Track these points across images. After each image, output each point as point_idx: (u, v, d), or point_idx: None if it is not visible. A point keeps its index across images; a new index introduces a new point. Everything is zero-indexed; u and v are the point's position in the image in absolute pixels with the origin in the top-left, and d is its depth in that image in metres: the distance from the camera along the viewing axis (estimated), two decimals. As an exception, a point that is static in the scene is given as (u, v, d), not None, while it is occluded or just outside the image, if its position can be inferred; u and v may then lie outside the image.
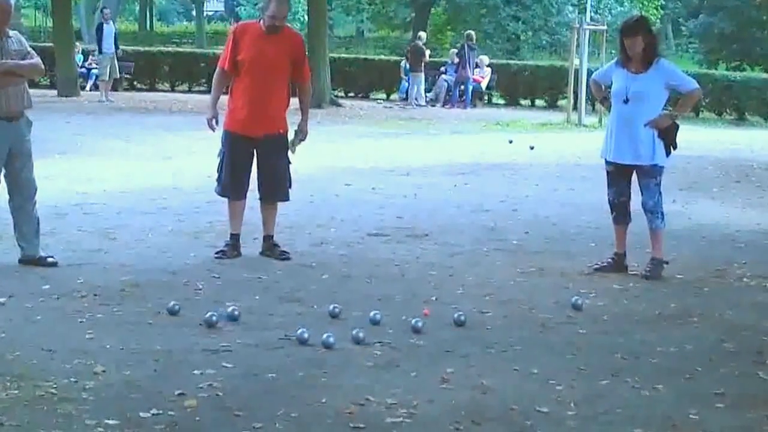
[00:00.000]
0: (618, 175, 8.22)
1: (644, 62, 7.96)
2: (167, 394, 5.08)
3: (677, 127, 8.12)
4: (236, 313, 6.53)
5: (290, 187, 8.49)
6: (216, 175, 8.42)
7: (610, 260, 8.29)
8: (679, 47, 58.83)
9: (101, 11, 26.45)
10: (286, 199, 8.54)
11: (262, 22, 8.25)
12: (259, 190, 8.41)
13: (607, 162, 8.27)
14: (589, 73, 22.99)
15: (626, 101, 8.00)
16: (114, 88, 26.10)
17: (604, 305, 7.21)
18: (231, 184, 8.31)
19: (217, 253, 8.26)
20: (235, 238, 8.37)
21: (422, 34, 30.31)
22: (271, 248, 8.42)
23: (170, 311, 6.59)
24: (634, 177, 8.23)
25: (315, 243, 9.11)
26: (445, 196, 12.06)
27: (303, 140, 8.43)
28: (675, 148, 8.14)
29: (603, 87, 8.52)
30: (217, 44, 41.88)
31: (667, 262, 8.25)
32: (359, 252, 8.82)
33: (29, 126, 7.94)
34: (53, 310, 6.62)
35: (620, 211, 8.30)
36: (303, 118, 8.45)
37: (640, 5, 47.75)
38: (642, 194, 8.17)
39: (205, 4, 62.03)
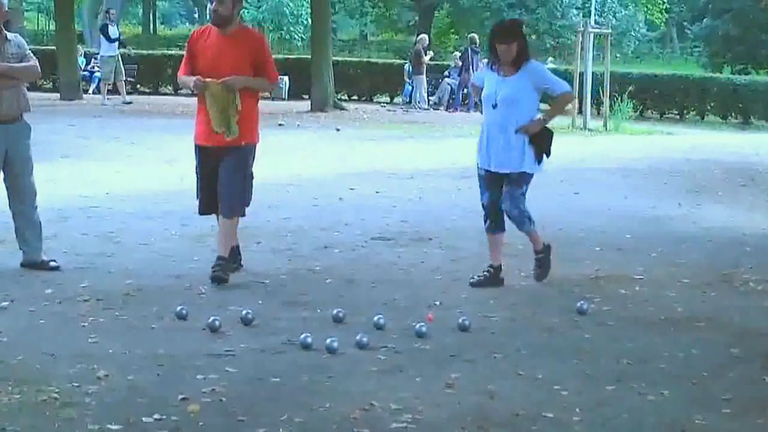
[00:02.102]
0: (491, 181, 7.82)
1: (514, 65, 7.64)
2: (171, 399, 5.07)
3: (550, 134, 7.76)
4: (250, 316, 6.51)
5: (248, 204, 7.86)
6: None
7: (486, 273, 7.86)
8: (683, 50, 58.86)
9: (106, 12, 26.47)
10: (242, 214, 7.85)
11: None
12: (221, 204, 7.85)
13: (478, 166, 7.92)
14: (594, 77, 23.07)
15: (495, 106, 7.65)
16: (117, 91, 26.09)
17: (610, 310, 7.18)
18: (203, 200, 7.85)
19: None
20: (221, 259, 7.73)
21: (423, 37, 30.30)
22: (229, 264, 7.76)
23: (178, 315, 6.57)
24: None
25: (319, 247, 9.08)
26: (449, 199, 12.03)
27: (226, 86, 7.47)
28: (548, 155, 7.76)
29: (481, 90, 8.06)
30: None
31: (549, 246, 8.02)
32: (363, 256, 8.79)
33: (28, 130, 7.92)
34: (56, 315, 6.61)
35: (495, 219, 7.89)
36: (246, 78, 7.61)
37: (645, 9, 47.83)
38: (505, 201, 7.75)
39: (207, 7, 62.09)
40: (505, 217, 7.90)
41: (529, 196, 12.28)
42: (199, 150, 7.78)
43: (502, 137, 7.63)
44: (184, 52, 8.00)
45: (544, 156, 7.72)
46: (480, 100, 8.06)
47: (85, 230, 9.38)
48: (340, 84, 28.62)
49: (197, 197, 7.93)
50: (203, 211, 7.96)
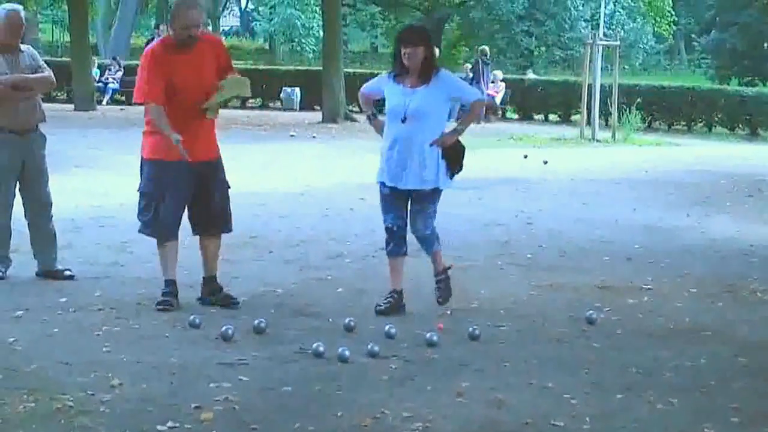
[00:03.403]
0: (396, 200, 7.26)
1: (423, 75, 7.10)
2: (184, 408, 5.12)
3: (463, 148, 7.27)
4: (262, 325, 6.57)
5: (231, 216, 7.48)
6: (145, 214, 7.25)
7: (389, 299, 7.27)
8: (691, 63, 58.82)
9: (156, 27, 26.64)
10: (230, 230, 7.55)
11: (172, 35, 7.20)
12: (197, 223, 7.43)
13: (383, 185, 7.35)
14: (602, 88, 23.08)
15: (404, 120, 7.12)
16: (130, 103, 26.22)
17: (618, 320, 7.22)
18: (170, 222, 7.24)
19: (159, 305, 7.12)
20: (172, 284, 7.28)
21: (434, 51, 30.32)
22: (215, 292, 7.38)
23: (191, 324, 6.62)
24: None
25: (330, 257, 9.13)
26: (458, 210, 12.02)
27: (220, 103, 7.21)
28: (460, 170, 7.31)
29: (372, 101, 7.61)
30: (233, 59, 41.92)
31: (449, 267, 7.46)
32: (374, 266, 8.83)
33: (43, 141, 8.00)
34: (70, 324, 6.67)
35: (399, 240, 7.29)
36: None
37: (653, 21, 47.82)
38: (416, 221, 7.23)
39: (220, 20, 62.22)
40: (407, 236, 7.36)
41: (541, 208, 12.42)
42: (172, 165, 7.06)
43: (410, 152, 7.13)
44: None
45: (456, 171, 7.30)
46: (374, 113, 7.54)
47: (98, 240, 9.44)
48: (351, 96, 28.61)
49: (154, 221, 7.22)
50: (171, 235, 7.31)
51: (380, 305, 7.24)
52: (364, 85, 7.66)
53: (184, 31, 7.04)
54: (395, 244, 7.30)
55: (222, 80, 7.18)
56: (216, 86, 7.17)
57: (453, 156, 7.23)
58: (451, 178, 7.31)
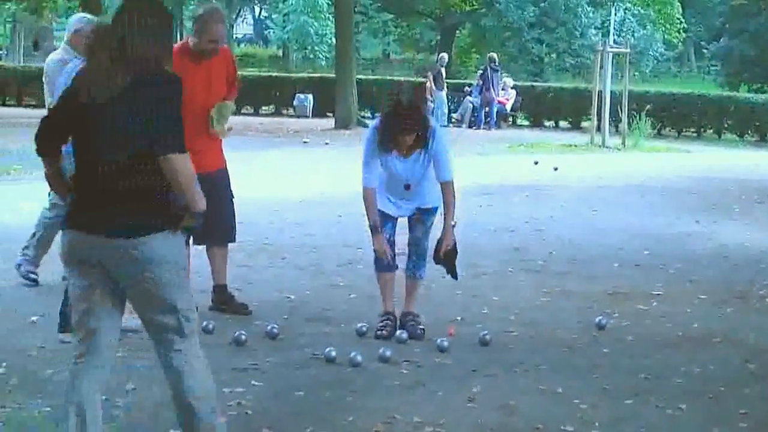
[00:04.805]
0: (391, 221, 6.97)
1: (417, 145, 6.66)
2: (198, 412, 5.16)
3: (455, 252, 6.97)
4: (275, 330, 6.63)
5: (235, 225, 7.43)
6: None
7: (386, 322, 6.90)
8: (701, 70, 58.76)
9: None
10: (233, 240, 7.51)
11: (191, 43, 7.10)
12: (199, 233, 7.05)
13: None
14: (612, 95, 23.07)
15: (408, 187, 6.84)
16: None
17: (628, 326, 7.25)
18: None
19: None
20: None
21: (443, 56, 30.38)
22: (227, 300, 7.39)
23: (204, 330, 6.66)
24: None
25: (342, 263, 9.19)
26: (469, 216, 12.04)
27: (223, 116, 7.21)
28: (456, 275, 7.05)
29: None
30: (246, 66, 42.13)
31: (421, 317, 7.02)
32: (385, 272, 8.86)
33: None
34: (85, 329, 6.70)
35: (389, 258, 6.94)
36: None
37: (663, 28, 47.83)
38: (415, 230, 6.99)
39: (234, 27, 62.32)
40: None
41: (552, 214, 12.44)
42: None
43: (413, 199, 6.90)
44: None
45: (454, 275, 7.05)
46: (377, 226, 6.83)
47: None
48: (363, 102, 28.71)
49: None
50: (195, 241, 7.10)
51: (380, 330, 6.84)
52: (365, 177, 6.77)
53: (210, 44, 6.98)
54: (386, 261, 6.96)
55: (211, 109, 7.08)
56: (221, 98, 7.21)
57: (450, 260, 6.97)
58: (455, 277, 7.07)
